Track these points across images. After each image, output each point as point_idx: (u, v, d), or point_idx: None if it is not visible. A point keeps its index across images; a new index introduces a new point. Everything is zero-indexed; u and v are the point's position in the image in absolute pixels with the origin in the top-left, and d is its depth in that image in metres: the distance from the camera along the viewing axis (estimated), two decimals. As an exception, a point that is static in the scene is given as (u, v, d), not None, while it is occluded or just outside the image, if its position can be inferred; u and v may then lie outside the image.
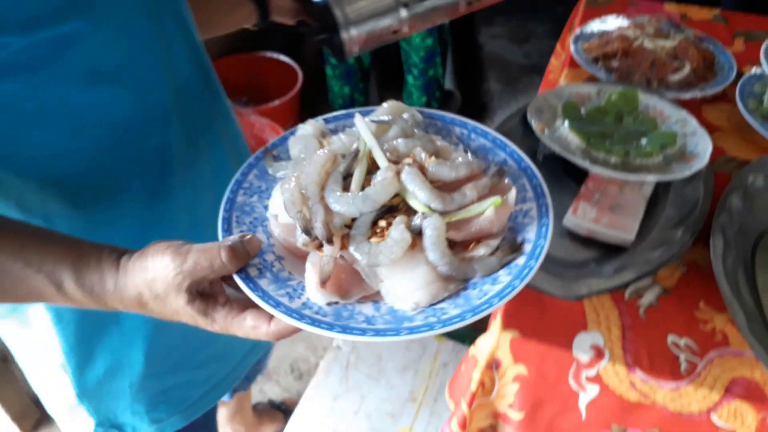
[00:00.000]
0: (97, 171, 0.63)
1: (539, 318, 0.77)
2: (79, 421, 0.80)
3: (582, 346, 0.75)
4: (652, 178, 0.84)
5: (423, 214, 0.50)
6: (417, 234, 0.49)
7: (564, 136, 0.90)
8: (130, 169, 0.66)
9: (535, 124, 0.91)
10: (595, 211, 0.85)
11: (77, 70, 0.56)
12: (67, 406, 0.79)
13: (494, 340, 0.77)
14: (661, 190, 0.90)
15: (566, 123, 0.91)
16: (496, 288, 0.48)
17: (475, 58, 2.96)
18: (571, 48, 1.17)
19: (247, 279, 0.49)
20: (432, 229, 0.49)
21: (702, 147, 0.90)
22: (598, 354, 0.74)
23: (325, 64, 2.43)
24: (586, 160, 0.86)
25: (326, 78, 2.46)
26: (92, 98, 0.58)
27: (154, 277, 0.49)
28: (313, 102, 2.54)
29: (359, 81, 2.45)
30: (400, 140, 0.55)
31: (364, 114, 0.60)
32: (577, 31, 1.23)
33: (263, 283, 0.49)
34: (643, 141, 0.91)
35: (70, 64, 0.55)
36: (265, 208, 0.56)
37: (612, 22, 1.25)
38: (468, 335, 1.77)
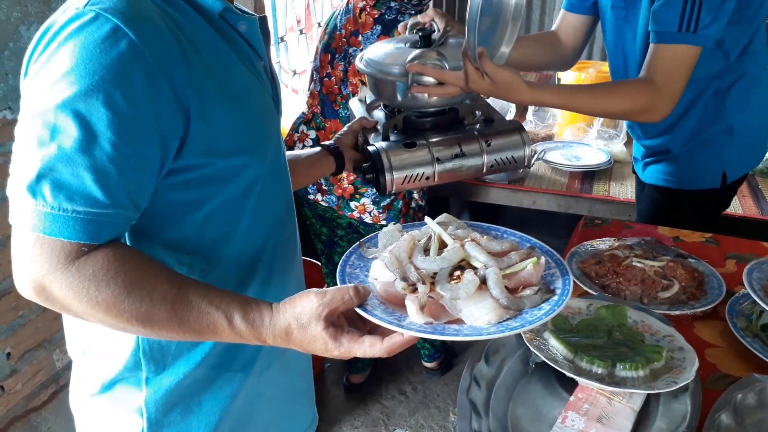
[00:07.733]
0: (221, 263, 0.84)
1: None
2: None
3: None
4: (635, 391, 0.88)
5: (484, 266, 0.75)
6: (482, 281, 0.73)
7: (553, 346, 0.96)
8: (248, 264, 0.88)
9: (524, 333, 0.97)
10: (583, 421, 0.87)
11: (241, 185, 0.82)
12: None
13: None
14: (652, 402, 0.93)
15: (554, 334, 0.98)
16: (541, 312, 0.72)
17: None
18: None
19: (365, 310, 0.72)
20: (493, 274, 0.74)
21: (689, 362, 0.94)
22: None
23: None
24: (571, 370, 0.91)
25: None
26: (240, 206, 0.83)
27: (302, 310, 0.70)
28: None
29: None
30: (459, 230, 0.83)
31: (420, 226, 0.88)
32: (572, 249, 1.36)
33: (377, 312, 0.72)
34: (630, 354, 0.96)
35: (238, 181, 0.81)
36: (366, 275, 0.81)
37: (603, 243, 1.37)
38: None
